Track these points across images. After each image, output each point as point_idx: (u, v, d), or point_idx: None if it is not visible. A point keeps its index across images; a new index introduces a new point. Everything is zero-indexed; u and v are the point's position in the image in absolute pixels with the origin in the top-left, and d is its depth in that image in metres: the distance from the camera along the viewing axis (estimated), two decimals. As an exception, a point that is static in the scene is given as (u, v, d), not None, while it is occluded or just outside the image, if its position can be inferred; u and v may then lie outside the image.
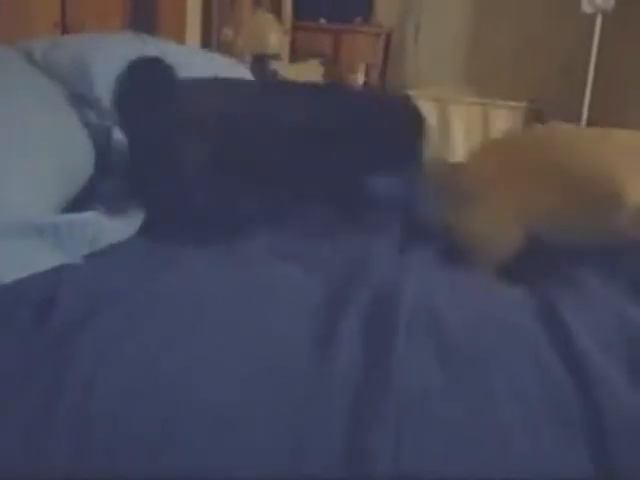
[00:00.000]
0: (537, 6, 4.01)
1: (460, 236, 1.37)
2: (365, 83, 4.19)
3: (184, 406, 0.90)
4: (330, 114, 1.48)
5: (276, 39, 3.55)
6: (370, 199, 1.51)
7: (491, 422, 0.89)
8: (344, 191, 1.47)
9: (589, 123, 3.47)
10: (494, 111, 3.98)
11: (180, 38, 2.92)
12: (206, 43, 3.33)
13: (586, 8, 3.36)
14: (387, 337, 1.02)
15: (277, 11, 4.01)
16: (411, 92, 4.06)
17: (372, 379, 0.94)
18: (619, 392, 0.93)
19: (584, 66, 3.44)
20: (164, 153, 1.44)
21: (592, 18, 3.38)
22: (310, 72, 3.89)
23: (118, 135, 1.50)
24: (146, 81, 1.49)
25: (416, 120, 1.49)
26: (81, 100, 1.50)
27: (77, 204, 1.39)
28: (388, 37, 4.47)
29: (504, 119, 3.96)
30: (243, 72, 2.27)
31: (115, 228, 1.29)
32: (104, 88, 1.51)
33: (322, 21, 4.39)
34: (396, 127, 1.50)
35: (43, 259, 1.15)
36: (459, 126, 3.91)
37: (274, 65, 3.49)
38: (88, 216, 1.29)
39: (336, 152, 1.44)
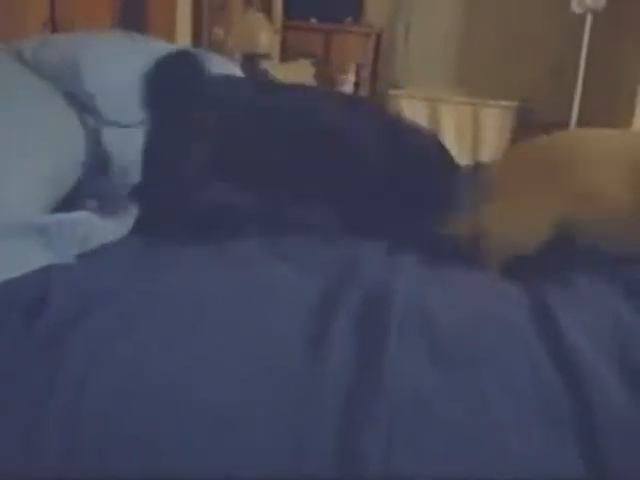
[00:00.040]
0: (528, 6, 4.02)
1: (481, 231, 1.37)
2: (355, 83, 4.19)
3: (180, 406, 0.90)
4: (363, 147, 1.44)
5: (266, 39, 3.54)
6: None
7: (483, 421, 0.89)
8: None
9: (579, 123, 3.48)
10: (484, 111, 3.98)
11: (170, 37, 2.91)
12: (197, 42, 3.32)
13: (576, 8, 3.37)
14: (379, 337, 1.02)
15: (268, 11, 4.00)
16: (401, 92, 4.07)
17: (364, 379, 0.94)
18: (609, 390, 0.93)
19: (574, 66, 3.44)
20: (179, 152, 1.44)
21: (582, 18, 3.39)
22: (301, 72, 3.89)
23: (108, 134, 1.49)
24: (174, 77, 1.50)
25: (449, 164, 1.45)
26: (71, 99, 1.50)
27: (67, 204, 1.39)
28: (378, 37, 4.47)
29: (494, 119, 3.97)
30: (234, 71, 2.26)
31: (107, 228, 1.28)
32: (94, 87, 1.51)
33: (313, 21, 4.39)
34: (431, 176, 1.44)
35: (33, 259, 1.14)
36: (449, 126, 3.92)
37: (264, 64, 3.49)
38: (78, 216, 1.28)
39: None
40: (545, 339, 1.04)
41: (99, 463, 0.86)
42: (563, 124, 3.48)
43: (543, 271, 1.32)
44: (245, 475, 0.85)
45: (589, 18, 3.36)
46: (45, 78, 1.51)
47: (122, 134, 1.51)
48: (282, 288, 1.17)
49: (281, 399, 0.91)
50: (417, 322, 1.06)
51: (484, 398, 0.92)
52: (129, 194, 1.42)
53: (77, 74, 1.51)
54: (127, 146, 1.49)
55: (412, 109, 3.85)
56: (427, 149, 1.46)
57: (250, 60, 3.37)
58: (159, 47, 1.85)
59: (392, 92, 4.13)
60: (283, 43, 4.29)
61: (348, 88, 4.04)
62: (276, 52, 4.09)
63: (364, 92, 4.19)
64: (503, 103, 3.97)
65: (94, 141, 1.48)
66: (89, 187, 1.46)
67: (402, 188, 1.37)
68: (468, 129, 3.96)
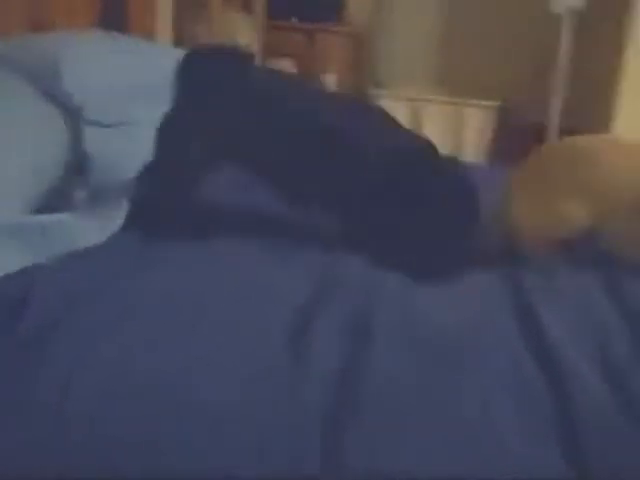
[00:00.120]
0: (509, 6, 4.03)
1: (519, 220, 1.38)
2: (337, 83, 4.19)
3: (181, 406, 0.90)
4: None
5: (246, 38, 3.53)
6: None
7: (465, 421, 0.90)
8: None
9: (561, 123, 3.49)
10: (466, 110, 3.99)
11: (151, 36, 2.90)
12: (177, 41, 3.31)
13: (555, 8, 3.38)
14: (363, 338, 1.02)
15: (249, 10, 3.99)
16: (383, 91, 4.08)
17: (348, 379, 0.94)
18: (591, 390, 0.93)
19: (555, 66, 3.46)
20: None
21: (563, 18, 3.41)
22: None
23: (89, 134, 1.48)
24: (207, 71, 1.51)
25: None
26: (52, 99, 1.48)
27: (49, 204, 1.38)
28: (360, 37, 4.48)
29: (476, 119, 3.98)
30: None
31: (89, 230, 1.27)
32: (75, 87, 1.49)
33: (294, 20, 4.38)
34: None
35: (14, 260, 1.13)
36: (431, 125, 3.92)
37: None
38: (60, 217, 1.27)
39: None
40: (527, 338, 1.05)
41: (98, 463, 0.85)
42: (544, 124, 3.50)
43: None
44: (245, 475, 0.84)
45: (569, 18, 3.38)
46: (25, 78, 1.49)
47: (103, 134, 1.50)
48: (268, 288, 1.17)
49: (265, 399, 0.90)
50: (401, 322, 1.07)
51: (467, 397, 0.93)
52: (136, 177, 1.41)
53: (57, 74, 1.49)
54: (108, 146, 1.48)
55: (394, 109, 3.85)
56: (426, 149, 1.46)
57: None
58: (140, 46, 1.84)
59: (374, 92, 4.13)
60: (264, 42, 4.28)
61: (330, 88, 4.04)
62: (257, 51, 4.08)
63: (346, 92, 4.18)
64: (485, 103, 3.98)
65: (75, 141, 1.47)
66: (69, 187, 1.45)
67: (402, 188, 1.37)
68: (450, 129, 3.97)
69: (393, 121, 1.54)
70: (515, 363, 0.99)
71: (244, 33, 3.51)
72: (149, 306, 1.07)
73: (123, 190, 1.40)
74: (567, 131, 3.46)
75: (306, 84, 1.62)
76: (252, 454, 0.85)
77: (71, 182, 1.44)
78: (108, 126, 1.50)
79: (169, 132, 1.48)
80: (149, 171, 1.45)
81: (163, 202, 1.47)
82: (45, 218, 1.27)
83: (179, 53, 1.62)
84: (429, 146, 1.47)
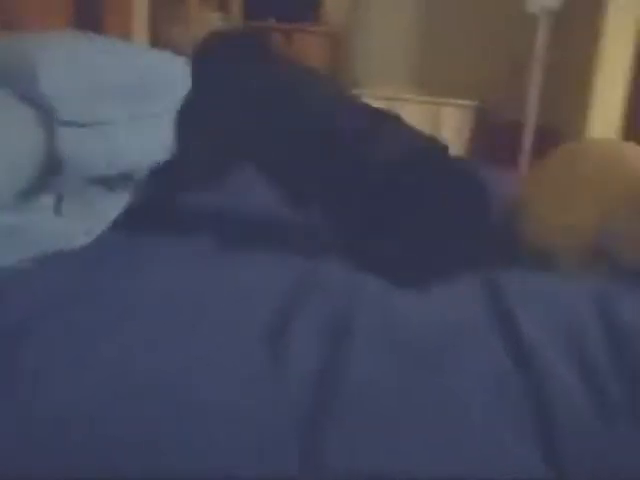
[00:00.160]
0: (486, 5, 4.06)
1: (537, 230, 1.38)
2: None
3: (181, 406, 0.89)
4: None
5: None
6: None
7: (445, 423, 0.90)
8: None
9: (538, 121, 3.52)
10: (444, 110, 4.01)
11: (127, 36, 2.88)
12: (154, 41, 3.29)
13: (530, 8, 3.40)
14: (342, 338, 1.02)
15: (226, 10, 3.98)
16: (361, 91, 4.08)
17: (326, 380, 0.94)
18: (568, 390, 0.94)
19: (532, 65, 3.48)
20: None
21: (539, 18, 3.43)
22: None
23: (64, 134, 1.47)
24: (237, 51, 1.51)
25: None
26: (26, 99, 1.47)
27: (21, 205, 1.36)
28: (337, 36, 4.48)
29: (454, 118, 4.00)
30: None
31: (68, 230, 1.27)
32: (50, 87, 1.48)
33: (271, 20, 4.38)
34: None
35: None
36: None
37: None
38: (32, 218, 1.26)
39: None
40: (506, 340, 1.05)
41: (98, 463, 0.84)
42: (521, 122, 3.52)
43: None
44: (245, 475, 0.84)
45: (545, 18, 3.40)
46: (-1, 79, 1.48)
47: (78, 134, 1.48)
48: (245, 289, 1.17)
49: (244, 401, 0.90)
50: (381, 325, 1.07)
51: (446, 397, 0.93)
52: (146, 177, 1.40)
53: (33, 75, 1.48)
54: (83, 146, 1.47)
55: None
56: (427, 149, 1.45)
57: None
58: (116, 47, 1.83)
59: (352, 91, 4.13)
60: (242, 43, 4.27)
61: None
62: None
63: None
64: (462, 102, 4.00)
65: (49, 141, 1.45)
66: (43, 188, 1.43)
67: (402, 188, 1.36)
68: (427, 128, 3.97)
69: (403, 122, 1.54)
70: (494, 365, 0.99)
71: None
72: (149, 306, 1.07)
73: (115, 188, 1.40)
74: (544, 129, 3.49)
75: (320, 81, 1.60)
76: (252, 454, 0.85)
77: (45, 183, 1.42)
78: (83, 126, 1.49)
79: (184, 126, 1.48)
80: (159, 171, 1.44)
81: (162, 202, 1.46)
82: (14, 219, 1.26)
83: (155, 53, 1.61)
84: (440, 146, 1.47)
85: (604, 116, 3.46)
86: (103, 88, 1.56)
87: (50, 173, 1.44)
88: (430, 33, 4.28)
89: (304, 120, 1.43)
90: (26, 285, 1.10)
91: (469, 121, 4.01)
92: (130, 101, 1.58)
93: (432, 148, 1.47)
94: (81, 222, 1.32)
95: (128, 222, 1.38)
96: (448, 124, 3.99)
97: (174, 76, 1.83)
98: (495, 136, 3.88)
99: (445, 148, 1.48)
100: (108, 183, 1.53)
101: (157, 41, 3.34)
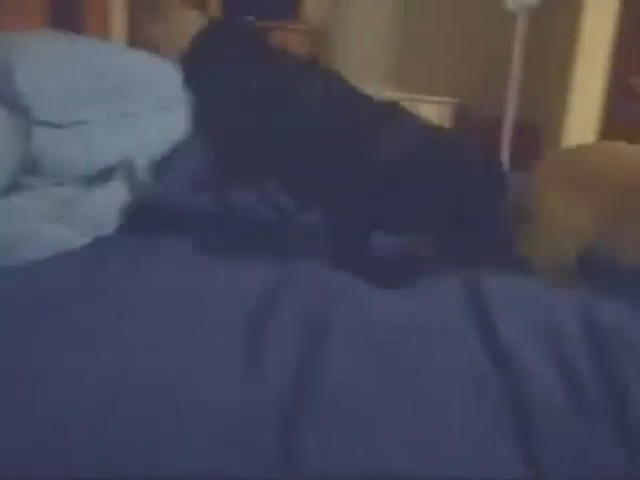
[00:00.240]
0: (465, 3, 4.07)
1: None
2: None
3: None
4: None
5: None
6: None
7: (424, 423, 0.90)
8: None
9: (516, 117, 3.53)
10: (423, 107, 4.01)
11: (105, 37, 2.86)
12: (132, 41, 3.27)
13: (509, 5, 3.41)
14: (319, 339, 1.02)
15: (204, 8, 3.97)
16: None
17: (303, 380, 0.94)
18: (546, 389, 0.95)
19: (511, 62, 3.50)
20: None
21: (517, 15, 3.44)
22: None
23: (40, 134, 1.46)
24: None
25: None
26: (1, 98, 1.46)
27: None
28: (317, 34, 4.48)
29: (433, 115, 4.01)
30: (172, 71, 2.24)
31: (58, 233, 1.26)
32: (27, 87, 1.47)
33: (250, 19, 4.37)
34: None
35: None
36: (389, 122, 3.94)
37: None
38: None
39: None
40: (484, 340, 1.06)
41: (98, 463, 0.84)
42: (501, 119, 3.54)
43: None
44: (245, 475, 0.84)
45: (524, 15, 3.42)
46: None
47: (54, 134, 1.48)
48: (221, 290, 1.17)
49: (220, 400, 0.90)
50: (360, 325, 1.07)
51: (423, 398, 0.93)
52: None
53: (10, 74, 1.47)
54: (59, 146, 1.46)
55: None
56: (429, 147, 1.45)
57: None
58: (94, 46, 1.82)
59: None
60: (221, 41, 4.26)
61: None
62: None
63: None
64: (441, 99, 4.01)
65: (24, 141, 1.45)
66: (20, 188, 1.43)
67: (403, 188, 1.36)
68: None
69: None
70: (473, 365, 0.99)
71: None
72: (149, 306, 1.07)
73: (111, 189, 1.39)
74: (523, 124, 3.50)
75: (320, 77, 1.59)
76: (252, 454, 0.85)
77: (20, 183, 1.42)
78: (60, 126, 1.49)
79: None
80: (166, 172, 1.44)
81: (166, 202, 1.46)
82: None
83: (134, 53, 1.61)
84: (455, 135, 1.47)
85: (582, 111, 3.48)
86: (81, 88, 1.55)
87: (26, 173, 1.43)
88: (409, 30, 4.29)
89: (304, 120, 1.43)
90: (26, 285, 1.10)
91: (448, 118, 4.02)
92: (108, 101, 1.57)
93: (442, 138, 1.46)
94: (79, 226, 1.32)
95: (128, 222, 1.38)
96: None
97: (153, 76, 1.83)
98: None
99: (456, 135, 1.47)
100: (89, 182, 1.53)
101: (135, 41, 3.33)
